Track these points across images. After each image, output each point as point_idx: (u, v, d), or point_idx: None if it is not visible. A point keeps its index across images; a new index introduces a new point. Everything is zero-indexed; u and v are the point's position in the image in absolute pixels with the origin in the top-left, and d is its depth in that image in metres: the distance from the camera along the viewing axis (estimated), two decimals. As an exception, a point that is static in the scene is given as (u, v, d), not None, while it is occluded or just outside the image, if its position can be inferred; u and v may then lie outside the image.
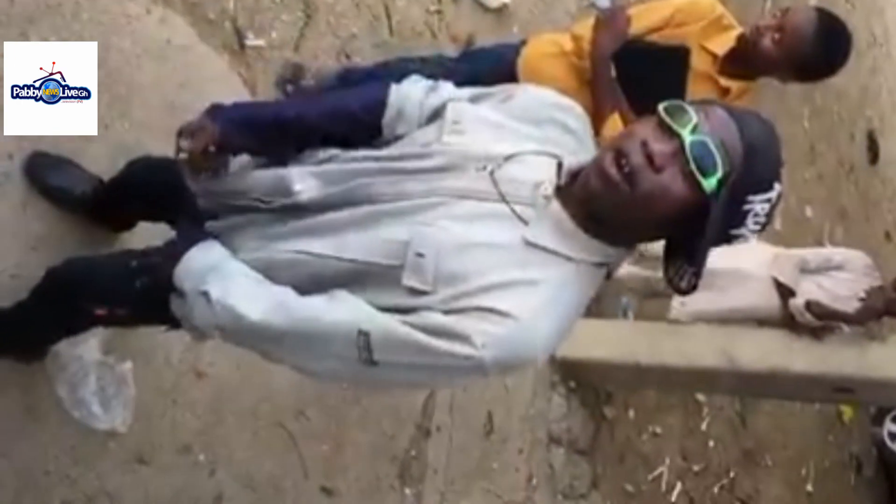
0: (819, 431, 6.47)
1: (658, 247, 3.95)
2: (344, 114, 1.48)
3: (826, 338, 3.45)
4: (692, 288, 1.30)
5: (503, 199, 1.28)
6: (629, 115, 2.46)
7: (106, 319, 1.68)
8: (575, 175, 1.28)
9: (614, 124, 2.43)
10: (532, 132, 1.37)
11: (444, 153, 1.33)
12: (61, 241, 2.09)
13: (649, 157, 1.19)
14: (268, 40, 2.75)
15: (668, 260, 1.32)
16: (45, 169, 2.08)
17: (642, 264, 4.01)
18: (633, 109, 2.46)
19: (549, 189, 1.28)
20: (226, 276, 1.36)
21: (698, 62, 2.44)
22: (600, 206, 1.24)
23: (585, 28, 2.45)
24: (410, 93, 1.46)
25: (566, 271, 1.27)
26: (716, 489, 5.10)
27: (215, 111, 1.48)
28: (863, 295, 3.35)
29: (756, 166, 1.21)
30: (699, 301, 3.62)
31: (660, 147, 1.19)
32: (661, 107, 1.22)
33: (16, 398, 1.98)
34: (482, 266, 1.24)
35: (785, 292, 3.43)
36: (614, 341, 3.97)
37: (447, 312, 1.23)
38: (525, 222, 1.27)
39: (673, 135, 1.20)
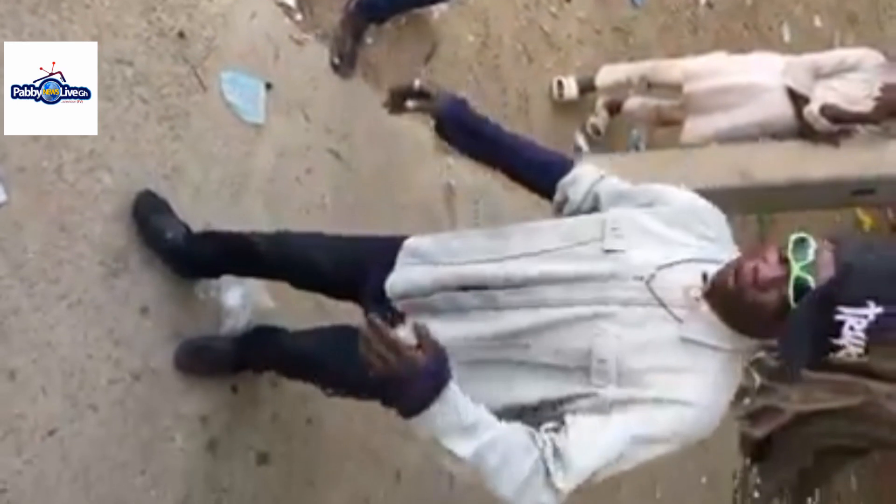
0: (840, 242, 6.50)
1: (665, 74, 3.85)
2: (537, 161, 1.80)
3: (843, 142, 3.41)
4: (794, 378, 1.53)
5: (661, 303, 1.50)
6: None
7: None
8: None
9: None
10: (681, 238, 1.58)
11: (609, 262, 1.55)
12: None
13: (755, 277, 1.42)
14: None
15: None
16: (149, 209, 2.20)
17: (651, 93, 3.94)
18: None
19: (698, 292, 1.49)
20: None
21: None
22: (724, 305, 1.47)
23: None
24: (587, 170, 1.75)
25: (720, 359, 1.50)
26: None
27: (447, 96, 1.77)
28: (878, 93, 3.27)
29: (848, 282, 1.36)
30: (711, 122, 3.57)
31: (768, 272, 1.42)
32: (791, 238, 1.43)
33: (48, 289, 2.02)
34: (654, 361, 1.48)
35: (799, 101, 3.35)
36: (627, 174, 3.93)
37: (630, 402, 1.47)
38: (680, 321, 1.49)
39: (786, 265, 1.41)
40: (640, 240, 1.57)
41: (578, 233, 1.63)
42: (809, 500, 5.84)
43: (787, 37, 5.79)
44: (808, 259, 1.40)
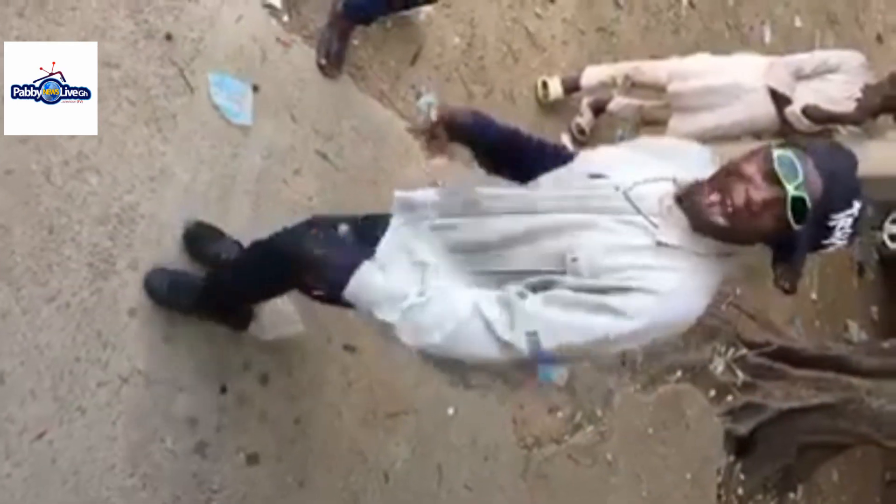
0: (821, 241, 6.54)
1: (649, 74, 3.83)
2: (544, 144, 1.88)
3: (824, 142, 3.44)
4: (794, 288, 1.73)
5: (638, 211, 1.59)
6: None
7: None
8: (691, 187, 1.60)
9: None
10: (661, 163, 1.68)
11: (591, 182, 1.67)
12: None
13: (748, 203, 1.51)
14: None
15: (774, 263, 1.65)
16: (198, 239, 2.32)
17: (634, 94, 3.97)
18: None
19: (670, 201, 1.59)
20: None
21: None
22: (706, 229, 1.57)
23: None
24: None
25: (693, 262, 1.58)
26: (723, 306, 5.24)
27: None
28: (859, 94, 3.31)
29: (835, 192, 1.50)
30: (695, 121, 3.59)
31: (760, 195, 1.50)
32: (775, 155, 1.51)
33: (37, 292, 2.01)
34: (625, 260, 1.55)
35: (781, 101, 3.38)
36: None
37: (600, 290, 1.54)
38: (655, 226, 1.58)
39: (779, 185, 1.49)
40: (621, 167, 1.69)
41: (567, 178, 1.74)
42: (792, 495, 5.90)
43: (767, 37, 5.84)
44: (800, 178, 1.48)
